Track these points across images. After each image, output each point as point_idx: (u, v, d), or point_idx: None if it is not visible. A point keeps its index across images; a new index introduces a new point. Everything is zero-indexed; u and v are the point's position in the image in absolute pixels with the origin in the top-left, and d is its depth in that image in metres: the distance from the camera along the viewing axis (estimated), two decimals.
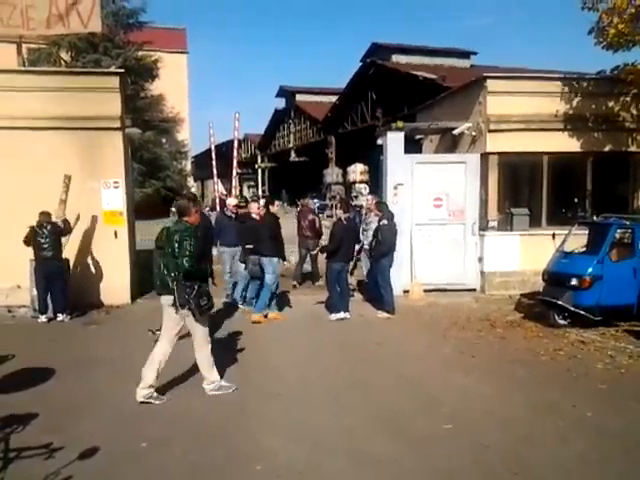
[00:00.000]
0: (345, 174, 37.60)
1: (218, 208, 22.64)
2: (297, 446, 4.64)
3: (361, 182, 33.99)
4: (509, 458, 4.46)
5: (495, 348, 7.64)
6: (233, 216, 10.50)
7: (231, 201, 11.31)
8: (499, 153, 11.07)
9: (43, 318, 9.00)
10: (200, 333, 5.59)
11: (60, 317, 9.05)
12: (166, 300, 5.48)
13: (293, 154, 52.67)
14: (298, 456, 4.48)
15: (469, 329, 8.63)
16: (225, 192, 31.07)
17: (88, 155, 9.90)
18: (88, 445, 4.42)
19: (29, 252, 9.16)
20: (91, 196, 9.85)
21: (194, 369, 6.08)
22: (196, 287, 5.29)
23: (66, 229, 9.29)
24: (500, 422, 5.16)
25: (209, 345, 5.70)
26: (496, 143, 10.97)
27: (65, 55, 27.30)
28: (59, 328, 8.72)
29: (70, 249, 9.69)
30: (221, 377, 5.91)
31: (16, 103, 9.61)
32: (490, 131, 10.94)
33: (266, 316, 9.02)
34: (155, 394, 5.54)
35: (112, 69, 11.77)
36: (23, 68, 11.01)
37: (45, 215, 9.03)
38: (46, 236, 8.91)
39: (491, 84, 10.95)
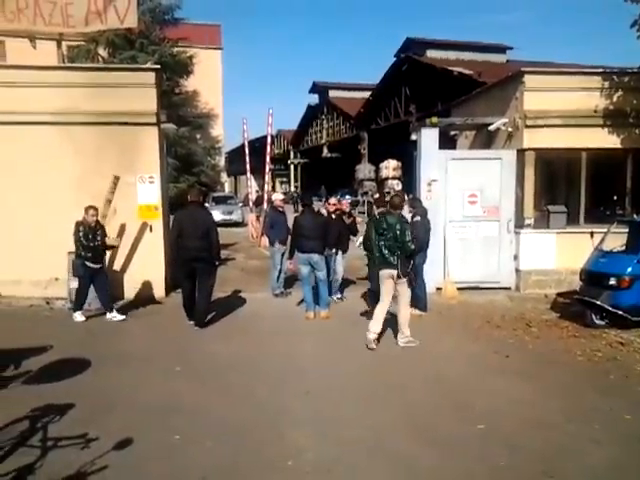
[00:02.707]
0: (377, 170, 37.41)
1: (251, 204, 22.83)
2: (326, 444, 4.64)
3: (393, 178, 33.73)
4: (543, 461, 4.38)
5: (530, 348, 7.51)
6: (283, 211, 10.74)
7: (277, 196, 11.38)
8: (536, 149, 10.85)
9: (78, 317, 8.79)
10: (406, 296, 7.41)
11: (109, 316, 8.88)
12: (388, 273, 7.21)
13: (325, 150, 52.65)
14: (327, 454, 4.48)
15: (503, 328, 8.50)
16: (258, 188, 31.27)
17: (125, 150, 10.05)
18: (122, 437, 4.49)
19: (66, 245, 9.34)
20: (127, 191, 9.98)
21: (237, 369, 6.15)
22: (412, 262, 7.35)
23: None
24: (534, 424, 5.06)
25: (409, 306, 7.53)
26: (533, 139, 10.77)
27: (103, 52, 27.71)
28: (95, 320, 8.85)
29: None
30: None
31: (56, 99, 9.81)
32: (527, 127, 10.73)
33: (315, 315, 9.05)
34: (411, 339, 7.43)
35: (148, 65, 11.88)
36: (62, 64, 11.22)
37: (93, 210, 8.81)
38: (90, 233, 8.72)
39: (528, 79, 10.75)
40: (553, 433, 4.88)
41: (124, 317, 8.94)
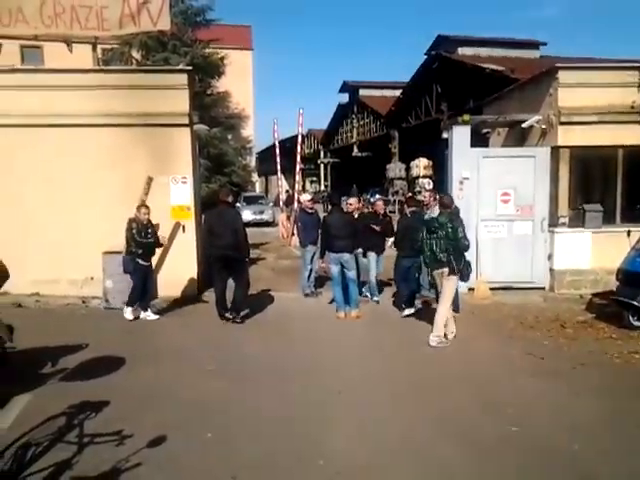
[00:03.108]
0: (408, 169, 37.19)
1: (281, 203, 22.94)
2: (357, 445, 4.64)
3: (424, 177, 33.52)
4: (579, 465, 4.31)
5: (565, 350, 7.38)
6: (312, 212, 10.77)
7: (305, 197, 11.40)
8: (571, 147, 10.65)
9: (128, 314, 8.90)
10: (449, 293, 7.49)
11: (143, 315, 9.00)
12: (439, 271, 7.48)
13: (356, 149, 52.53)
14: (358, 454, 4.48)
15: (537, 329, 8.37)
16: (288, 188, 31.42)
17: (158, 151, 10.18)
18: (156, 434, 4.55)
19: (101, 245, 9.53)
20: (160, 191, 10.12)
21: (269, 367, 6.19)
22: (464, 260, 7.48)
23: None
24: (570, 427, 4.98)
25: (449, 306, 7.55)
26: (568, 136, 10.57)
27: (136, 54, 28.13)
28: (130, 320, 8.99)
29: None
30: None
31: (90, 101, 9.99)
32: (561, 124, 10.54)
33: (345, 315, 9.03)
34: (444, 339, 7.46)
35: (180, 66, 12.02)
36: (96, 67, 11.44)
37: (145, 208, 9.01)
38: (143, 230, 8.85)
39: (563, 75, 10.55)
40: (589, 437, 4.78)
41: (157, 317, 9.06)
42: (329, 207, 10.19)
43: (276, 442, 4.65)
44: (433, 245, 7.48)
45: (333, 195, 12.77)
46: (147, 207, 9.07)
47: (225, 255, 8.48)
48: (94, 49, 11.50)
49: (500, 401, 5.60)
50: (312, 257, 10.48)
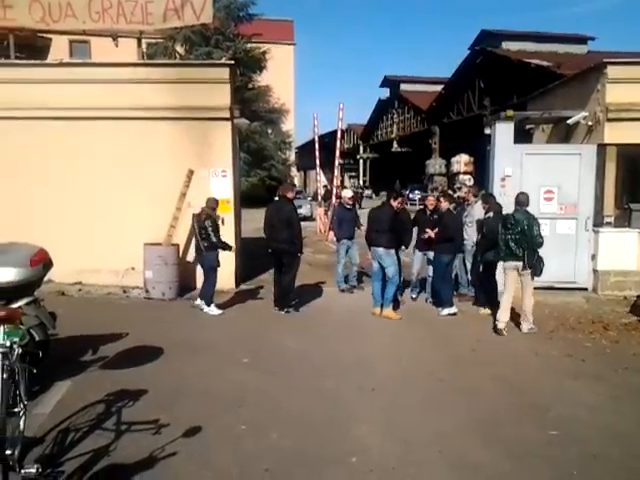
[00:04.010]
0: (448, 165, 36.79)
1: (319, 198, 22.96)
2: (390, 443, 4.60)
3: (465, 173, 33.14)
4: (620, 473, 4.18)
5: (607, 353, 7.18)
6: (351, 208, 10.76)
7: (346, 193, 11.38)
8: (618, 144, 10.34)
9: (215, 310, 8.87)
10: (530, 286, 8.04)
11: (196, 302, 9.03)
12: (513, 264, 7.90)
13: (395, 144, 52.23)
14: (391, 453, 4.43)
15: (579, 331, 8.17)
16: (326, 183, 31.38)
17: (198, 144, 10.29)
18: (191, 424, 4.60)
19: (142, 236, 9.70)
20: (200, 184, 10.23)
21: (303, 362, 6.20)
22: (538, 255, 7.81)
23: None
24: (611, 433, 4.84)
25: (532, 296, 8.07)
26: (615, 133, 10.26)
27: (180, 48, 28.60)
28: (169, 310, 9.14)
29: (180, 235, 10.18)
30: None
31: (132, 95, 10.13)
32: (609, 120, 10.24)
33: (380, 312, 8.94)
34: (534, 326, 8.06)
35: (222, 61, 12.13)
36: (140, 61, 11.62)
37: (210, 203, 9.00)
38: (202, 227, 8.82)
39: (611, 70, 10.23)
40: (631, 443, 4.64)
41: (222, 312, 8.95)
42: (362, 204, 10.31)
43: (308, 437, 4.65)
44: (509, 240, 7.86)
45: (390, 189, 12.72)
46: (212, 200, 9.09)
47: (280, 248, 8.93)
48: (139, 44, 11.71)
49: (539, 403, 5.48)
50: (347, 251, 10.46)
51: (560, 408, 5.35)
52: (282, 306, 9.00)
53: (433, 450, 4.47)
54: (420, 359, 6.91)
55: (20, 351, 3.64)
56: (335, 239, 10.89)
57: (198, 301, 9.04)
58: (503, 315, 7.98)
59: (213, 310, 8.86)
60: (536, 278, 10.29)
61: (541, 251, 10.13)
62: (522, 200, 8.09)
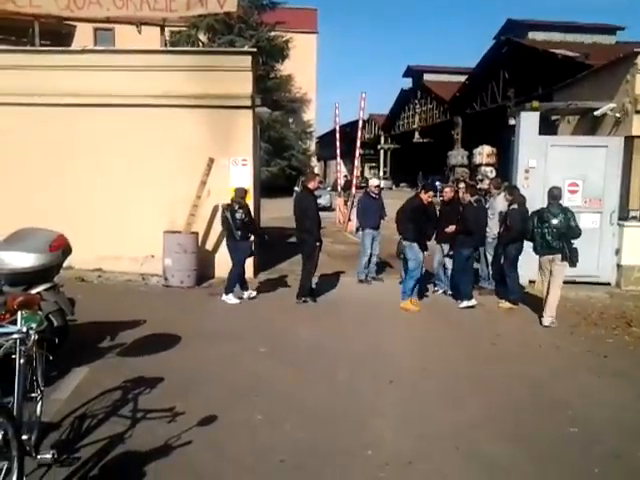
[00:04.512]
0: (470, 156, 36.35)
1: (339, 188, 22.84)
2: (407, 437, 4.54)
3: (487, 165, 32.66)
4: None
5: (630, 349, 7.04)
6: (377, 197, 10.67)
7: (373, 182, 11.28)
8: None
9: (245, 295, 9.03)
10: (560, 278, 8.10)
11: (224, 297, 8.92)
12: (550, 257, 8.02)
13: (417, 135, 51.80)
14: (407, 447, 4.37)
15: (602, 326, 8.02)
16: (346, 173, 31.24)
17: (219, 132, 10.25)
18: (207, 413, 4.58)
19: (162, 224, 9.72)
20: (220, 173, 10.21)
21: (320, 353, 6.14)
22: (575, 247, 7.91)
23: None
24: (633, 432, 4.72)
25: (560, 289, 8.11)
26: None
27: (203, 37, 28.56)
28: (187, 297, 9.14)
29: (200, 224, 10.18)
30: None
31: (155, 82, 10.13)
32: (638, 112, 10.01)
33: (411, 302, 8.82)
34: (555, 320, 8.03)
35: (245, 48, 12.06)
36: (162, 48, 11.61)
37: (239, 192, 9.07)
38: (233, 215, 8.84)
39: None
40: None
41: (239, 301, 8.95)
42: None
43: (324, 429, 4.61)
44: (545, 233, 8.00)
45: (425, 179, 12.72)
46: (241, 190, 9.16)
47: (299, 237, 9.22)
48: (162, 32, 11.69)
49: (559, 400, 5.37)
50: (372, 242, 10.39)
51: (581, 405, 5.24)
52: (298, 295, 8.98)
53: (450, 445, 4.40)
54: (438, 352, 6.82)
55: (37, 337, 3.63)
56: (355, 230, 10.80)
57: (246, 294, 9.08)
58: (548, 310, 8.04)
59: (231, 299, 8.85)
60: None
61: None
62: (556, 194, 8.22)
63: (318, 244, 9.10)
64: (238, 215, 8.81)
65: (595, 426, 4.81)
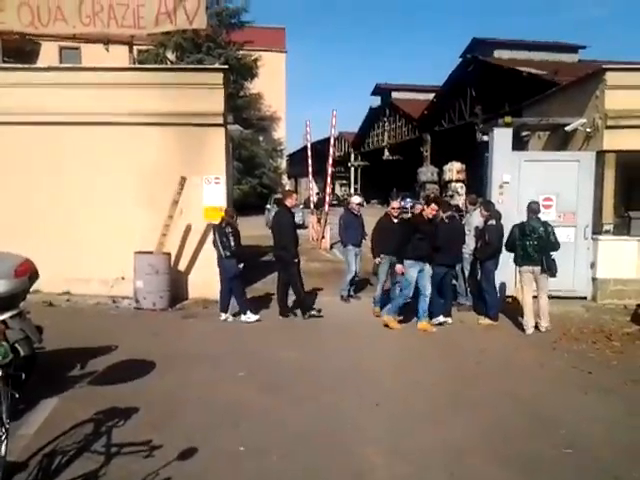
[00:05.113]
0: (440, 173, 36.70)
1: (312, 206, 22.72)
2: (397, 462, 4.36)
3: (457, 181, 33.01)
4: None
5: (614, 364, 6.97)
6: (358, 214, 10.58)
7: (355, 199, 11.22)
8: (617, 151, 10.23)
9: (223, 316, 8.83)
10: (546, 288, 8.61)
11: (243, 317, 8.81)
12: (529, 268, 8.47)
13: (387, 152, 52.19)
14: (398, 473, 4.20)
15: (582, 341, 7.98)
16: (318, 190, 31.22)
17: (192, 151, 10.03)
18: (186, 445, 4.33)
19: (133, 244, 9.43)
20: (193, 191, 9.97)
21: (303, 376, 5.93)
22: (553, 258, 8.41)
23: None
24: (629, 451, 4.62)
25: (547, 297, 8.65)
26: (614, 140, 10.14)
27: (171, 55, 28.38)
28: (160, 320, 8.85)
29: (172, 243, 9.90)
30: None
31: (125, 100, 9.87)
32: (607, 127, 10.13)
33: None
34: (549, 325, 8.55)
35: (216, 66, 11.92)
36: (132, 65, 11.39)
37: (228, 213, 9.08)
38: (223, 235, 8.72)
39: (611, 77, 10.12)
40: None
41: (257, 317, 8.82)
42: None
43: (312, 458, 4.39)
44: (527, 246, 8.43)
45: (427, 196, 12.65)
46: (228, 212, 9.17)
47: (276, 255, 9.31)
48: (130, 49, 11.51)
49: (549, 418, 5.25)
50: (355, 259, 10.26)
51: (572, 424, 5.12)
52: (303, 313, 9.06)
53: (442, 469, 4.24)
54: (423, 371, 6.66)
55: (2, 373, 3.36)
56: (329, 246, 10.70)
57: (224, 315, 8.85)
58: (530, 320, 8.44)
59: (250, 317, 8.75)
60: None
61: None
62: (535, 208, 8.61)
63: (296, 261, 8.99)
64: (227, 234, 8.68)
65: (590, 446, 4.69)
